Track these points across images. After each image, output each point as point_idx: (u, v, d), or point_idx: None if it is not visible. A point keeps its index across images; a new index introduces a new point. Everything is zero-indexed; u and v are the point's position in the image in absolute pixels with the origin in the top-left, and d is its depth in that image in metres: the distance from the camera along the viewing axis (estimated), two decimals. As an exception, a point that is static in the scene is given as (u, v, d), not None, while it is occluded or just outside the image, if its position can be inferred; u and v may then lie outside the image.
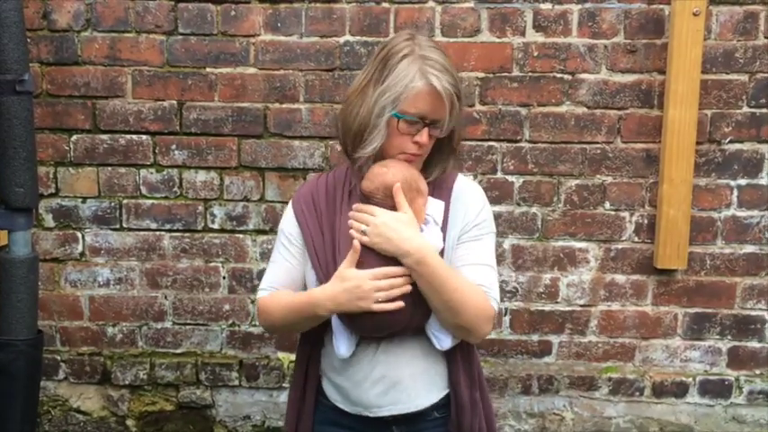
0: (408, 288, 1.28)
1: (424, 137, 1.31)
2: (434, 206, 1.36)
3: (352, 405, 1.39)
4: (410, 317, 1.31)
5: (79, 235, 2.32)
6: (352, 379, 1.37)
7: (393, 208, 1.30)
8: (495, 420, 1.45)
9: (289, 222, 1.42)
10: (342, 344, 1.36)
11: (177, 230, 2.31)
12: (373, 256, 1.28)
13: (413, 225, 1.28)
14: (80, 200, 2.31)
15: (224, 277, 2.33)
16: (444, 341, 1.34)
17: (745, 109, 2.21)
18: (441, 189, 1.39)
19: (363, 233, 1.27)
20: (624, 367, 2.32)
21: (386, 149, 1.33)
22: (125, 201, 2.30)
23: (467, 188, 1.40)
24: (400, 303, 1.26)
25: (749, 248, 2.26)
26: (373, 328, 1.32)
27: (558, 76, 2.21)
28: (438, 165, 1.39)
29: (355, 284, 1.26)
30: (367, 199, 1.33)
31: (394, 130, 1.31)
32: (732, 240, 2.26)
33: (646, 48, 2.19)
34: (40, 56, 2.23)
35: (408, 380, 1.36)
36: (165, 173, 2.29)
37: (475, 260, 1.33)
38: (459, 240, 1.35)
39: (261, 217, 2.30)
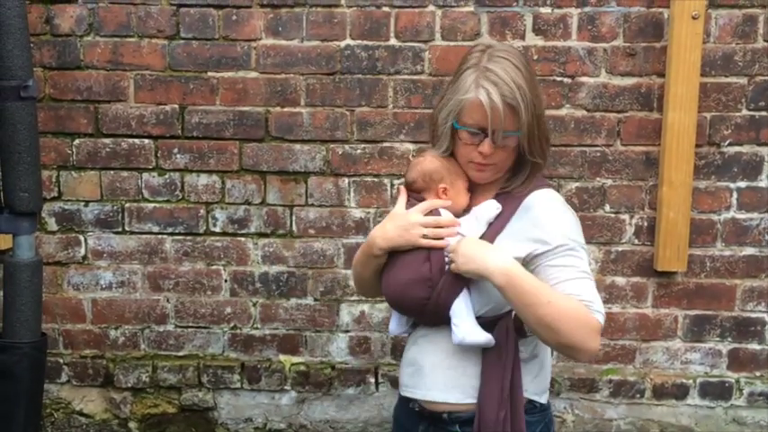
0: (454, 231, 1.36)
1: (485, 147, 1.32)
2: (485, 205, 1.40)
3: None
4: (436, 300, 1.35)
5: (82, 238, 2.33)
6: (403, 356, 1.51)
7: (434, 192, 1.41)
8: None
9: None
10: (393, 321, 1.49)
11: (179, 234, 2.32)
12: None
13: (491, 246, 1.32)
14: (83, 203, 2.32)
15: (226, 280, 2.34)
16: (457, 335, 1.34)
17: (745, 112, 2.22)
18: (511, 197, 1.38)
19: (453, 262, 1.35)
20: (625, 369, 2.33)
21: (458, 157, 1.40)
22: (127, 204, 2.32)
23: (540, 203, 1.36)
24: (446, 242, 1.36)
25: (749, 251, 2.27)
26: (400, 302, 1.41)
27: (558, 79, 2.22)
28: (518, 176, 1.40)
29: (403, 218, 1.39)
30: (410, 188, 1.45)
31: (461, 140, 1.36)
32: (732, 242, 2.27)
33: (645, 51, 2.20)
34: (42, 60, 2.24)
35: (429, 369, 1.40)
36: (166, 176, 2.30)
37: (568, 276, 1.30)
38: (541, 261, 1.32)
39: (262, 220, 2.31)
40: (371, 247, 1.43)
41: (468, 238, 1.34)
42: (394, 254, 1.42)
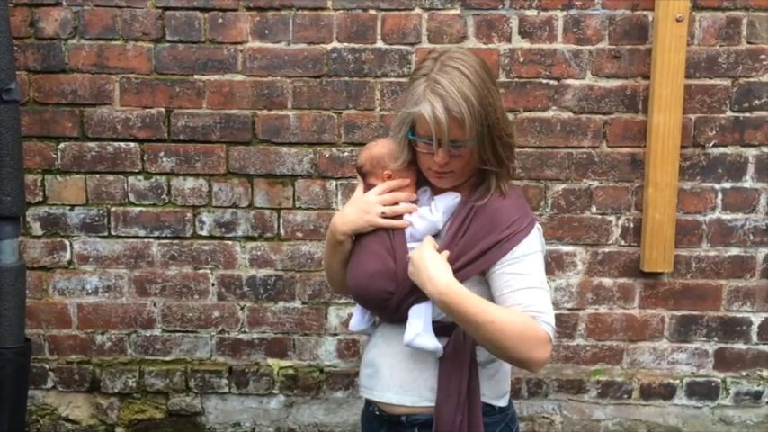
0: (413, 207, 1.38)
1: (439, 157, 1.32)
2: (445, 197, 1.40)
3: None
4: (401, 295, 1.35)
5: (67, 243, 2.31)
6: (363, 357, 1.51)
7: (381, 177, 1.42)
8: None
9: None
10: (356, 316, 1.49)
11: (166, 237, 2.31)
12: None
13: (439, 262, 1.29)
14: (68, 207, 2.30)
15: (213, 284, 2.33)
16: (407, 336, 1.33)
17: (729, 113, 2.24)
18: (473, 203, 1.37)
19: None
20: (612, 370, 2.34)
21: (419, 164, 1.40)
22: (113, 208, 2.30)
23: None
24: (405, 222, 1.38)
25: (734, 251, 2.29)
26: (364, 293, 1.41)
27: (544, 81, 2.23)
28: (483, 184, 1.39)
29: (360, 200, 1.41)
30: (359, 171, 1.47)
31: (419, 149, 1.37)
32: (717, 243, 2.29)
33: (630, 53, 2.21)
34: (27, 64, 2.22)
35: (386, 370, 1.40)
36: (153, 180, 2.29)
37: (520, 285, 1.30)
38: (496, 268, 1.32)
39: (250, 223, 2.30)
40: (334, 234, 1.43)
41: (421, 247, 1.32)
42: (358, 242, 1.42)
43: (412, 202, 1.42)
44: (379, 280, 1.37)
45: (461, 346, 1.34)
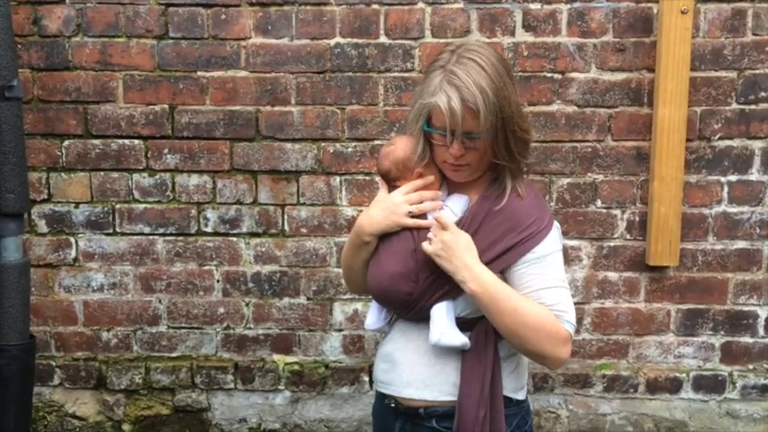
0: (439, 204, 1.37)
1: (454, 149, 1.32)
2: (455, 199, 1.40)
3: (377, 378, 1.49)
4: (422, 290, 1.35)
5: (72, 240, 2.32)
6: (378, 351, 1.50)
7: (410, 179, 1.40)
8: None
9: None
10: (371, 315, 1.48)
11: (170, 234, 2.31)
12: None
13: (472, 250, 1.30)
14: (73, 205, 2.31)
15: (218, 280, 2.33)
16: (433, 336, 1.34)
17: (734, 106, 2.23)
18: (488, 199, 1.37)
19: (430, 241, 1.34)
20: (618, 364, 2.33)
21: (434, 157, 1.39)
22: (118, 205, 2.30)
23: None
24: (431, 221, 1.35)
25: (740, 244, 2.28)
26: (385, 294, 1.40)
27: (548, 75, 2.22)
28: (498, 179, 1.39)
29: (386, 200, 1.40)
30: (385, 178, 1.44)
31: (434, 141, 1.36)
32: (723, 236, 2.27)
33: (635, 46, 2.20)
34: (30, 62, 2.23)
35: (406, 365, 1.40)
36: (157, 177, 2.29)
37: (542, 284, 1.31)
38: (518, 267, 1.33)
39: (254, 220, 2.30)
40: (360, 235, 1.42)
41: (461, 235, 1.32)
42: (380, 242, 1.42)
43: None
44: (400, 281, 1.37)
45: (484, 341, 1.34)
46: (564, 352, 1.30)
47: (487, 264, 1.32)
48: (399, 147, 1.42)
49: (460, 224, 1.36)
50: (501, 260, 1.33)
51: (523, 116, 1.38)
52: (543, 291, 1.31)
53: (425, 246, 1.34)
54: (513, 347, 1.35)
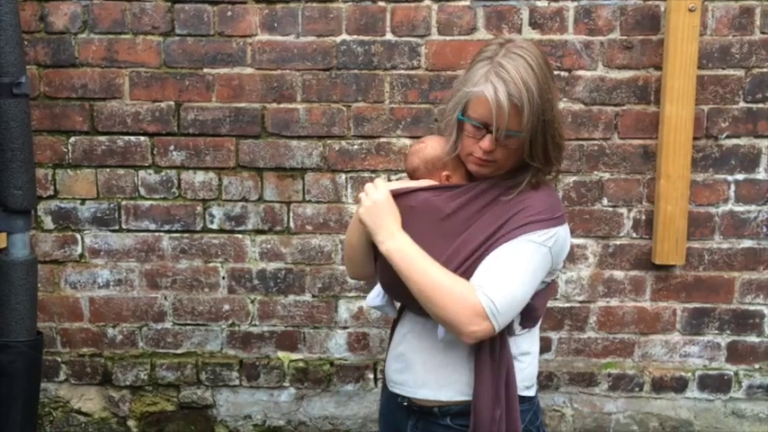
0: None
1: (486, 143, 1.29)
2: None
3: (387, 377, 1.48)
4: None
5: (78, 236, 2.32)
6: (389, 350, 1.48)
7: (437, 178, 1.39)
8: None
9: None
10: (373, 291, 1.48)
11: (176, 231, 2.31)
12: None
13: (396, 215, 1.33)
14: (79, 201, 2.31)
15: (223, 277, 2.33)
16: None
17: (742, 104, 2.22)
18: (500, 188, 1.34)
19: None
20: (623, 363, 2.33)
21: (461, 149, 1.35)
22: (124, 202, 2.31)
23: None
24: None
25: (747, 243, 2.27)
26: (395, 288, 1.39)
27: (555, 72, 2.20)
28: (520, 176, 1.35)
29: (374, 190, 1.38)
30: (411, 176, 1.44)
31: (464, 132, 1.33)
32: (730, 235, 2.27)
33: (642, 44, 2.19)
34: (37, 58, 2.23)
35: (420, 367, 1.39)
36: (163, 174, 2.29)
37: (487, 264, 1.28)
38: (490, 246, 1.30)
39: (259, 217, 2.30)
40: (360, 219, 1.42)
41: (390, 202, 1.33)
42: None
43: None
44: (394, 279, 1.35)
45: (497, 339, 1.32)
46: (475, 325, 1.24)
47: (486, 241, 1.29)
48: (430, 145, 1.40)
49: (459, 191, 1.34)
50: (501, 237, 1.29)
51: (562, 122, 1.36)
52: (481, 269, 1.27)
53: (358, 209, 1.36)
54: (429, 314, 1.31)
